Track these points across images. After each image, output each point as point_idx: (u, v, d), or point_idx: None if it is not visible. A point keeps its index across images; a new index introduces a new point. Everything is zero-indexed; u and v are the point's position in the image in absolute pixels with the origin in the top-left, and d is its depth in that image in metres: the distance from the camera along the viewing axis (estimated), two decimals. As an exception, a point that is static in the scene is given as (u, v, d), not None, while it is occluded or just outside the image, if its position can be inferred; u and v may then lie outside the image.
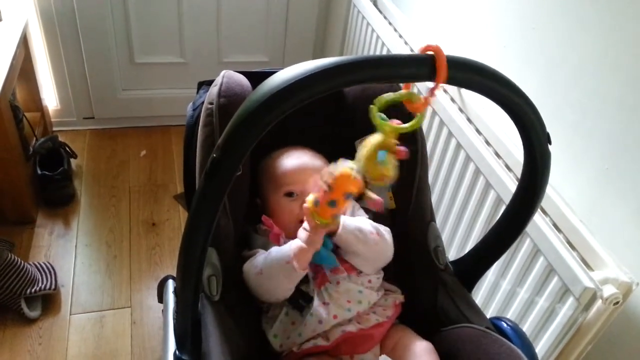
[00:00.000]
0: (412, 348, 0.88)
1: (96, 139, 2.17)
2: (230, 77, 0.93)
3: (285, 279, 0.85)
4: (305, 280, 0.89)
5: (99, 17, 1.93)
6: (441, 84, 0.59)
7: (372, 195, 0.81)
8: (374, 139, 0.72)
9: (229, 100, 0.89)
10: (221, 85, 0.91)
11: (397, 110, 0.71)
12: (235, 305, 0.89)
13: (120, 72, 2.09)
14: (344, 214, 0.92)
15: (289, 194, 0.94)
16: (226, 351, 0.78)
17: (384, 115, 0.71)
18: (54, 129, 2.12)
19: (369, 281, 0.92)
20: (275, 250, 0.87)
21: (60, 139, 1.93)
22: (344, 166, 0.74)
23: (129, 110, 2.19)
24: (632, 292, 0.92)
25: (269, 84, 0.57)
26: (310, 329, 0.86)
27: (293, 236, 0.93)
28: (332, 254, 0.87)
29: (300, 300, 0.88)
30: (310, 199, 0.78)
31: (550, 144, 0.72)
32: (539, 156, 0.73)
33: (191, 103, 1.02)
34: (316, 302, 0.87)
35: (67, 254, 1.70)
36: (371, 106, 0.69)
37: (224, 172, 0.58)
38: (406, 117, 0.71)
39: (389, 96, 0.69)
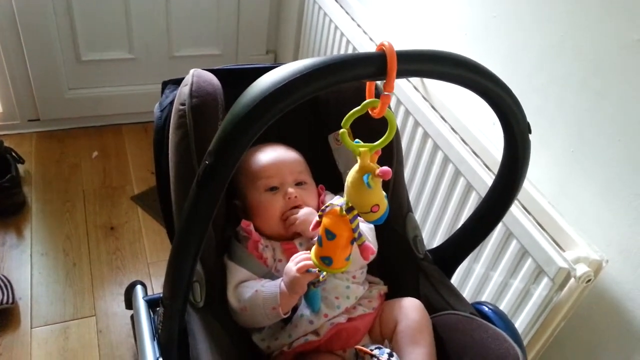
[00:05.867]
0: (401, 305, 0.91)
1: (44, 142, 2.05)
2: (200, 75, 0.90)
3: (269, 320, 0.87)
4: None
5: (40, 13, 1.81)
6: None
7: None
8: (354, 168, 0.68)
9: (202, 100, 0.86)
10: (192, 84, 0.87)
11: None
12: (219, 309, 0.87)
13: (66, 70, 1.99)
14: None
15: (271, 189, 0.93)
16: (216, 356, 0.77)
17: (358, 141, 0.67)
18: (-3, 133, 2.00)
19: (354, 277, 0.93)
20: (262, 292, 0.85)
21: (5, 143, 1.82)
22: (333, 206, 0.71)
23: (77, 110, 2.09)
24: (602, 269, 0.96)
25: (259, 86, 0.56)
26: (301, 329, 0.86)
27: (275, 236, 0.93)
28: (318, 301, 0.86)
29: None
30: (312, 252, 0.74)
31: (530, 132, 0.74)
32: (520, 145, 0.74)
33: (157, 104, 0.98)
34: (305, 303, 0.87)
35: (22, 265, 1.61)
36: (341, 131, 0.65)
37: (218, 178, 0.56)
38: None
39: (351, 113, 0.64)
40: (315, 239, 0.74)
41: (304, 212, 0.91)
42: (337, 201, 0.71)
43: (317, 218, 0.73)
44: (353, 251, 0.76)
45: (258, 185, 0.93)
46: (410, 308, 0.89)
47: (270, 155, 0.96)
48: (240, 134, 0.55)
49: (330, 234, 0.70)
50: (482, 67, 0.65)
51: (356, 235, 0.71)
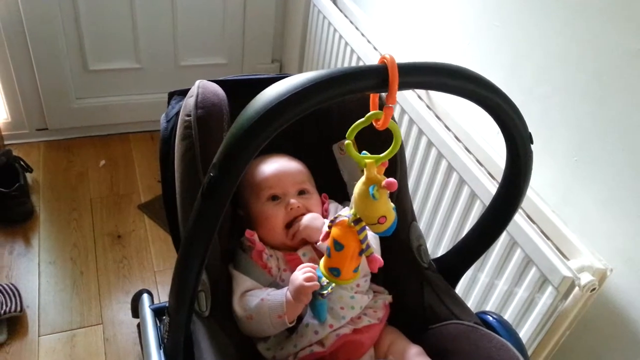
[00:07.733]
0: (405, 353, 0.90)
1: (51, 151, 2.08)
2: (205, 87, 0.91)
3: (275, 329, 0.87)
4: None
5: (49, 24, 1.84)
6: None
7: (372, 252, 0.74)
8: (360, 179, 0.68)
9: (207, 111, 0.87)
10: (197, 96, 0.88)
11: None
12: (225, 318, 0.88)
13: (74, 80, 2.01)
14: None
15: (273, 198, 0.94)
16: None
17: (365, 152, 0.68)
18: (6, 142, 2.02)
19: (357, 285, 0.93)
20: (267, 300, 0.86)
21: (14, 152, 1.84)
22: (342, 217, 0.71)
23: (84, 119, 2.11)
24: (607, 278, 0.96)
25: (261, 100, 0.57)
26: (307, 339, 0.87)
27: (279, 245, 0.93)
28: (325, 311, 0.86)
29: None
30: (320, 264, 0.75)
31: (532, 143, 0.74)
32: (522, 155, 0.75)
33: (164, 115, 0.99)
34: (310, 313, 0.87)
35: (30, 273, 1.63)
36: (346, 142, 0.65)
37: (222, 190, 0.57)
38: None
39: (355, 124, 0.64)
40: (319, 246, 0.74)
41: (307, 217, 0.92)
42: (345, 212, 0.72)
43: (326, 228, 0.74)
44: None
45: (261, 196, 0.94)
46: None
47: (273, 166, 0.97)
48: (243, 147, 0.56)
49: (338, 245, 0.71)
50: (483, 79, 0.66)
51: (364, 246, 0.72)
